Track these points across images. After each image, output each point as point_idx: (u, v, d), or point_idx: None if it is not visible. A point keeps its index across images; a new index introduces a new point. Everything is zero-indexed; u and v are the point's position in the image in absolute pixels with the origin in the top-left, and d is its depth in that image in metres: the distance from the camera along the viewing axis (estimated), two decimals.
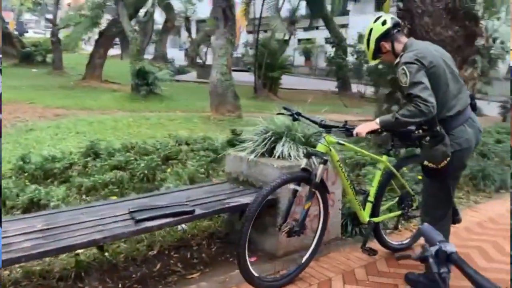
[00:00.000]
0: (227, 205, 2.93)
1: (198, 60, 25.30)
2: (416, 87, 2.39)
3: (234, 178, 3.55)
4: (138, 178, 4.40)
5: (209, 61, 23.59)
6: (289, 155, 3.25)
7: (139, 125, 8.52)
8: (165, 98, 12.94)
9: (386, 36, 2.65)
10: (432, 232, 1.34)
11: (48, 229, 2.40)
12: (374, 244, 3.26)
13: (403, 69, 2.44)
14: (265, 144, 3.37)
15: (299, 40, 27.03)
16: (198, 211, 2.77)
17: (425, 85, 2.39)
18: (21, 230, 2.38)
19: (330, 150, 2.81)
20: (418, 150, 3.15)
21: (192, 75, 22.82)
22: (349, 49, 16.96)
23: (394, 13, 5.77)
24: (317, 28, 24.00)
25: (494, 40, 5.61)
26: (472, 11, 4.97)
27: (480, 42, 5.14)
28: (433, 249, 1.24)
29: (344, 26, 23.49)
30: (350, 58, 17.00)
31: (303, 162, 2.83)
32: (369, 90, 16.29)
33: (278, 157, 3.28)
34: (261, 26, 15.47)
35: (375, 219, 3.08)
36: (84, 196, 4.05)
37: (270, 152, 3.37)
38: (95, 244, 2.37)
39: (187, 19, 23.76)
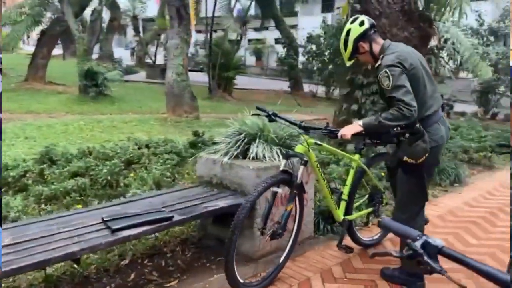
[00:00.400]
0: (205, 210, 2.86)
1: (147, 60, 24.68)
2: (398, 90, 2.44)
3: (207, 181, 3.48)
4: (101, 184, 4.20)
5: (159, 60, 23.12)
6: (264, 156, 3.24)
7: (91, 128, 8.18)
8: (116, 99, 12.50)
9: (364, 36, 2.68)
10: (399, 225, 1.26)
11: (18, 243, 2.22)
12: (345, 240, 3.31)
13: (385, 72, 2.48)
14: (239, 146, 3.33)
15: (249, 40, 27.18)
16: (176, 217, 2.68)
17: (407, 88, 2.45)
18: None
19: (309, 151, 2.83)
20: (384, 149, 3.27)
21: (141, 75, 22.23)
22: (300, 50, 17.26)
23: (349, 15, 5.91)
24: (267, 28, 24.27)
25: (446, 41, 5.92)
26: (426, 13, 5.20)
27: (433, 43, 5.39)
28: (418, 244, 1.15)
29: (293, 27, 23.89)
30: (301, 58, 17.31)
31: (282, 164, 2.82)
32: (321, 90, 16.72)
33: (253, 158, 3.26)
34: (212, 26, 15.36)
35: (349, 217, 3.13)
36: (43, 206, 3.81)
37: (243, 154, 3.35)
38: (72, 256, 2.22)
39: (135, 18, 23.10)
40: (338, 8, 23.15)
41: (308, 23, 22.48)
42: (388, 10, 5.09)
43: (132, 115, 10.18)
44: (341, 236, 3.09)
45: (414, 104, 2.45)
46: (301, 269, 3.10)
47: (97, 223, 2.58)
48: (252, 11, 20.44)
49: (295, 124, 2.89)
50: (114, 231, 2.45)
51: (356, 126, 2.66)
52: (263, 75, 26.27)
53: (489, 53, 10.02)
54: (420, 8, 5.21)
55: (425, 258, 1.14)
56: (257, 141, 3.34)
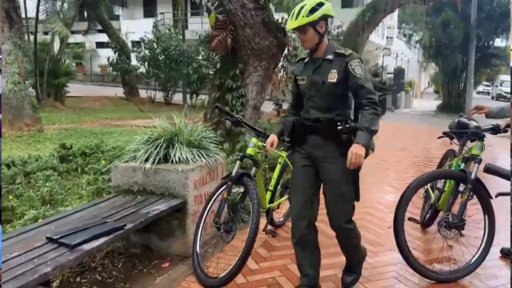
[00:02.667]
0: (150, 215, 2.93)
1: None
2: (368, 82, 2.51)
3: (126, 190, 3.47)
4: None
5: None
6: (187, 158, 3.43)
7: None
8: None
9: (327, 18, 2.54)
10: (504, 168, 1.62)
11: None
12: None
13: (359, 62, 2.51)
14: (159, 152, 3.44)
15: (68, 44, 25.14)
16: (128, 225, 2.71)
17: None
18: None
19: (257, 153, 3.20)
20: None
21: None
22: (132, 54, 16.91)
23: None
24: (87, 32, 22.93)
25: (296, 48, 6.89)
26: (281, 25, 5.99)
27: (286, 51, 6.22)
28: None
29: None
30: (133, 63, 16.96)
31: (237, 165, 3.11)
32: (159, 95, 16.67)
33: (176, 162, 3.41)
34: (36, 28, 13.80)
35: (272, 205, 3.60)
36: None
37: (164, 159, 3.47)
38: (45, 278, 2.09)
39: None
40: (161, 13, 23.38)
41: (131, 27, 22.10)
42: (251, 21, 5.68)
43: None
44: (267, 222, 3.52)
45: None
46: (234, 257, 3.40)
47: (45, 243, 2.44)
48: (72, 13, 19.02)
49: (260, 132, 3.29)
50: (74, 246, 2.37)
51: (361, 149, 2.42)
52: (88, 81, 24.62)
53: None
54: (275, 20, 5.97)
55: None
56: (175, 145, 3.51)
